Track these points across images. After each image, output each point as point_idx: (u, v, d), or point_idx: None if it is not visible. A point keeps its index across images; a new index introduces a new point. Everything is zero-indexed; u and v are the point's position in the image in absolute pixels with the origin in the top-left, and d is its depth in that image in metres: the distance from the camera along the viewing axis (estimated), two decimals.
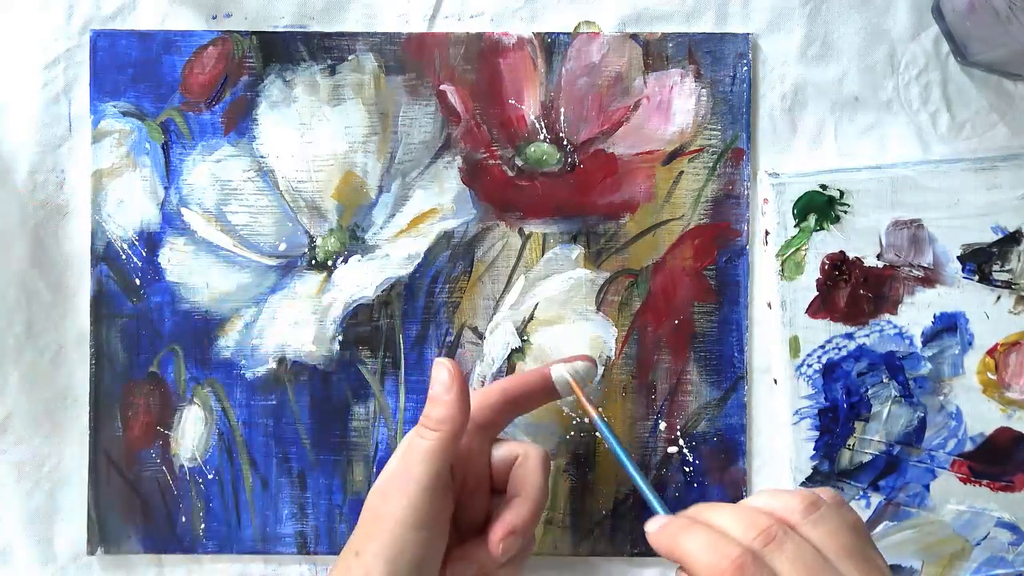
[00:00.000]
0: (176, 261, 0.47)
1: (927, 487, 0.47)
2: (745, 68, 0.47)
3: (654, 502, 0.38)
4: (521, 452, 0.41)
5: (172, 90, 0.47)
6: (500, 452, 0.42)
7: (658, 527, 0.35)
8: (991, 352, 0.47)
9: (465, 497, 0.41)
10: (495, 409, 0.41)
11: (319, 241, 0.47)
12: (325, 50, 0.47)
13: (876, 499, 0.47)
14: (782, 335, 0.47)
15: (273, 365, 0.47)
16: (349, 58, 0.47)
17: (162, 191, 0.47)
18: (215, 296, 0.47)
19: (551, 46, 0.47)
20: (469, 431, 0.40)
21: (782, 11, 0.48)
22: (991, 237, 0.47)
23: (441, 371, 0.39)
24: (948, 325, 0.47)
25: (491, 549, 0.39)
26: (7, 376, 0.47)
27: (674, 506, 0.47)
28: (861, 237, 0.47)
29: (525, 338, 0.47)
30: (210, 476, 0.47)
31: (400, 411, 0.47)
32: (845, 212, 0.47)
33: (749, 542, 0.33)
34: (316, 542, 0.47)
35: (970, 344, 0.47)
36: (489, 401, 0.41)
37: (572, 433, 0.47)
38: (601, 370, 0.47)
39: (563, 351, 0.47)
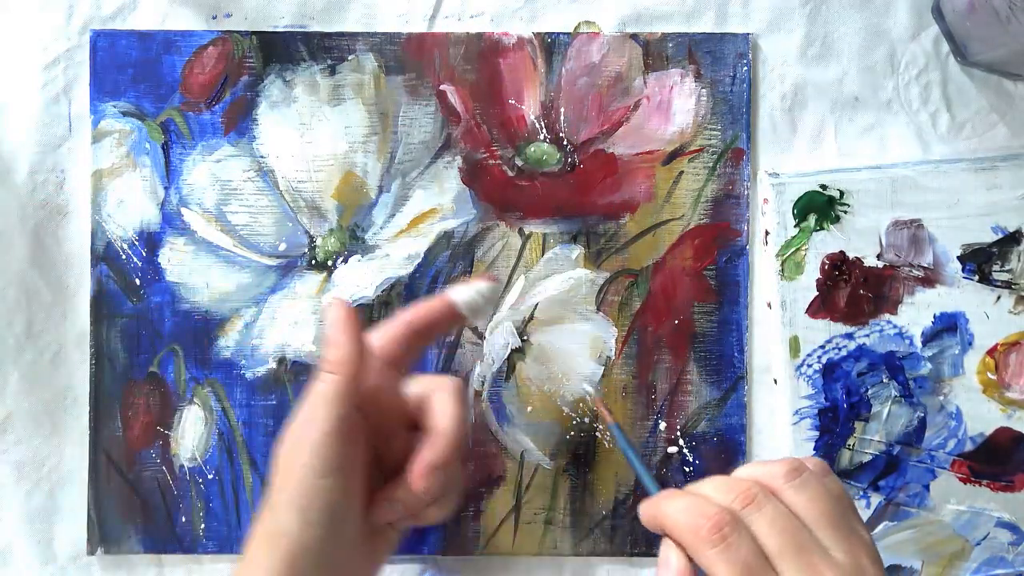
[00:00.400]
0: (176, 261, 0.47)
1: (927, 487, 0.47)
2: (745, 68, 0.47)
3: (647, 480, 0.38)
4: (435, 386, 0.40)
5: (172, 90, 0.47)
6: (414, 388, 0.41)
7: (648, 501, 0.35)
8: (991, 352, 0.47)
9: (383, 438, 0.40)
10: (401, 341, 0.40)
11: (319, 241, 0.47)
12: (325, 50, 0.47)
13: (876, 499, 0.47)
14: (782, 335, 0.47)
15: (273, 365, 0.47)
16: (349, 58, 0.47)
17: (162, 191, 0.47)
18: (215, 296, 0.47)
19: (551, 46, 0.47)
20: (378, 367, 0.39)
21: (782, 11, 0.48)
22: (991, 237, 0.47)
23: (334, 313, 0.38)
24: (948, 325, 0.47)
25: (412, 486, 0.38)
26: (7, 376, 0.47)
27: None
28: (861, 237, 0.47)
29: (525, 338, 0.47)
30: (210, 476, 0.47)
31: None
32: (845, 212, 0.47)
33: (728, 503, 0.33)
34: None
35: (970, 344, 0.47)
36: (395, 335, 0.40)
37: (572, 433, 0.47)
38: (601, 370, 0.47)
39: (563, 351, 0.47)
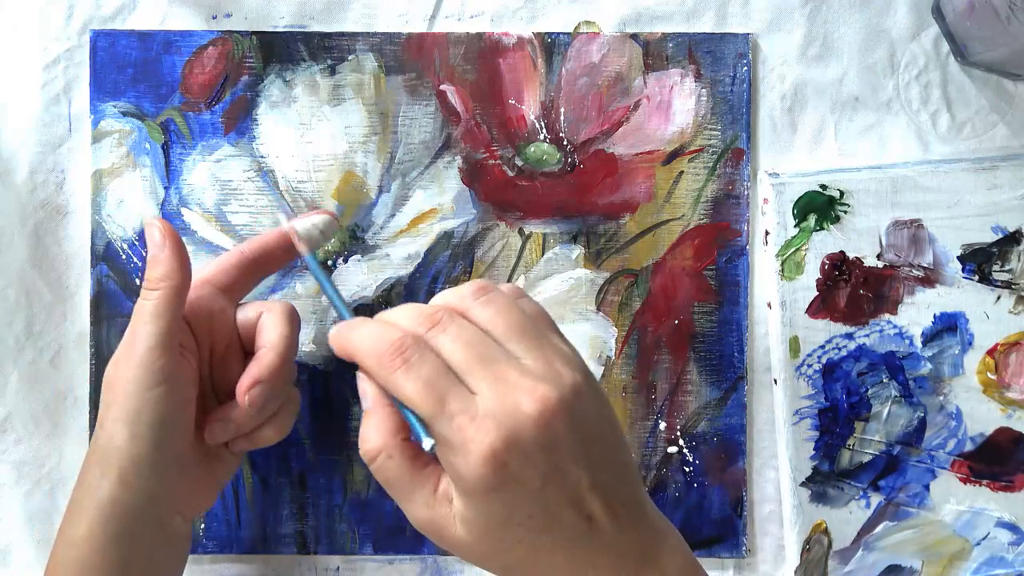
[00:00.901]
0: None
1: (927, 487, 0.47)
2: (745, 68, 0.47)
3: (343, 311, 0.38)
4: (265, 308, 0.41)
5: (172, 90, 0.47)
6: (246, 313, 0.41)
7: (336, 328, 0.35)
8: (991, 352, 0.47)
9: (216, 363, 0.40)
10: (234, 271, 0.41)
11: None
12: (325, 50, 0.47)
13: (876, 499, 0.47)
14: (782, 335, 0.47)
15: None
16: (349, 58, 0.47)
17: (162, 191, 0.47)
18: None
19: (551, 46, 0.47)
20: (209, 293, 0.40)
21: (782, 11, 0.48)
22: (991, 237, 0.47)
23: (152, 231, 0.38)
24: (948, 325, 0.47)
25: (239, 401, 0.38)
26: (7, 376, 0.47)
27: (674, 507, 0.47)
28: (861, 237, 0.47)
29: None
30: None
31: None
32: (845, 212, 0.47)
33: (413, 327, 0.33)
34: (316, 542, 0.47)
35: (970, 344, 0.47)
36: (228, 263, 0.41)
37: None
38: (601, 370, 0.47)
39: None
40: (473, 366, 0.32)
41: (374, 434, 0.34)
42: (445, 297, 0.35)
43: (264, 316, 0.41)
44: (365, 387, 0.35)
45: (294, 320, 0.41)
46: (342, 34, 0.47)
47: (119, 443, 0.37)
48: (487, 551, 0.33)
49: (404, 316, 0.34)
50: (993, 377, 0.47)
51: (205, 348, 0.40)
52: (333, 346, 0.35)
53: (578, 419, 0.32)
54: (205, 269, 0.41)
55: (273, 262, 0.42)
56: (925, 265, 0.47)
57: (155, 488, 0.37)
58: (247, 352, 0.41)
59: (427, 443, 0.32)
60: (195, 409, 0.39)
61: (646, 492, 0.36)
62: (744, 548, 0.47)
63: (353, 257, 0.47)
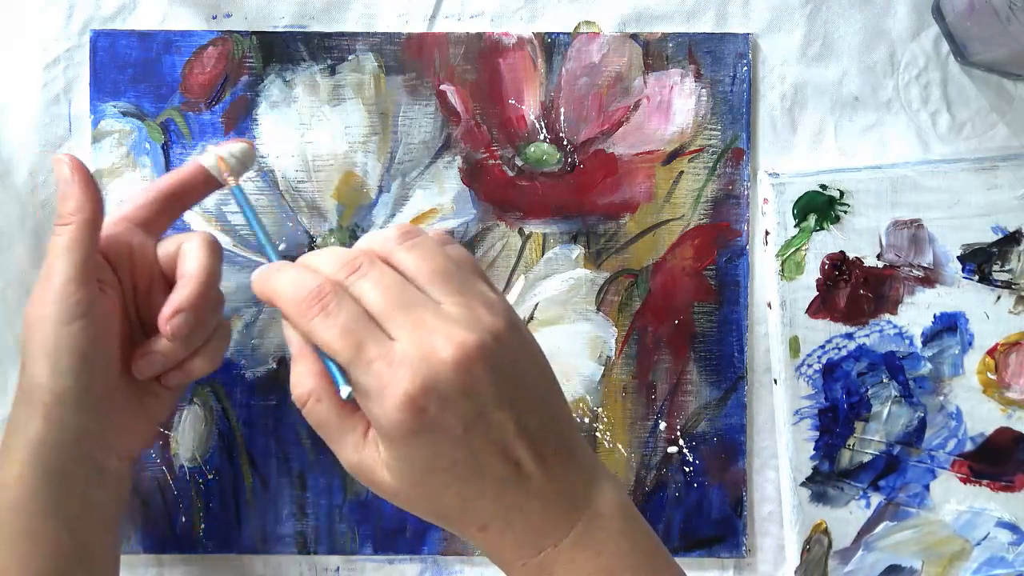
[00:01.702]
0: None
1: (927, 487, 0.47)
2: (745, 68, 0.47)
3: (268, 249, 0.38)
4: (185, 240, 0.40)
5: (172, 90, 0.47)
6: (166, 247, 0.41)
7: (258, 272, 0.35)
8: (991, 352, 0.47)
9: (140, 296, 0.40)
10: (152, 206, 0.40)
11: (319, 241, 0.47)
12: (325, 50, 0.47)
13: (876, 499, 0.47)
14: (782, 335, 0.47)
15: (273, 365, 0.47)
16: (349, 58, 0.47)
17: None
18: None
19: (551, 46, 0.47)
20: (127, 228, 0.39)
21: (782, 11, 0.48)
22: (991, 237, 0.47)
23: (61, 167, 0.38)
24: (948, 325, 0.47)
25: (161, 330, 0.38)
26: (7, 376, 0.47)
27: (674, 506, 0.47)
28: (861, 237, 0.47)
29: None
30: (210, 476, 0.47)
31: None
32: (845, 212, 0.47)
33: (334, 274, 0.33)
34: (316, 542, 0.47)
35: (970, 344, 0.47)
36: (145, 199, 0.40)
37: None
38: (601, 370, 0.47)
39: (563, 351, 0.47)
40: (392, 312, 0.32)
41: (303, 378, 0.34)
42: (369, 241, 0.35)
43: (184, 246, 0.40)
44: (289, 333, 0.34)
45: (215, 249, 0.40)
46: (342, 34, 0.47)
47: (40, 380, 0.36)
48: (414, 497, 0.33)
49: (325, 261, 0.34)
50: (993, 377, 0.47)
51: (127, 284, 0.40)
52: (255, 290, 0.35)
53: (500, 364, 0.32)
54: (122, 207, 0.40)
55: (191, 194, 0.41)
56: (925, 265, 0.47)
57: (83, 425, 0.37)
58: (171, 286, 0.40)
59: (344, 391, 0.32)
60: (119, 345, 0.39)
61: (581, 436, 0.35)
62: (744, 548, 0.47)
63: None
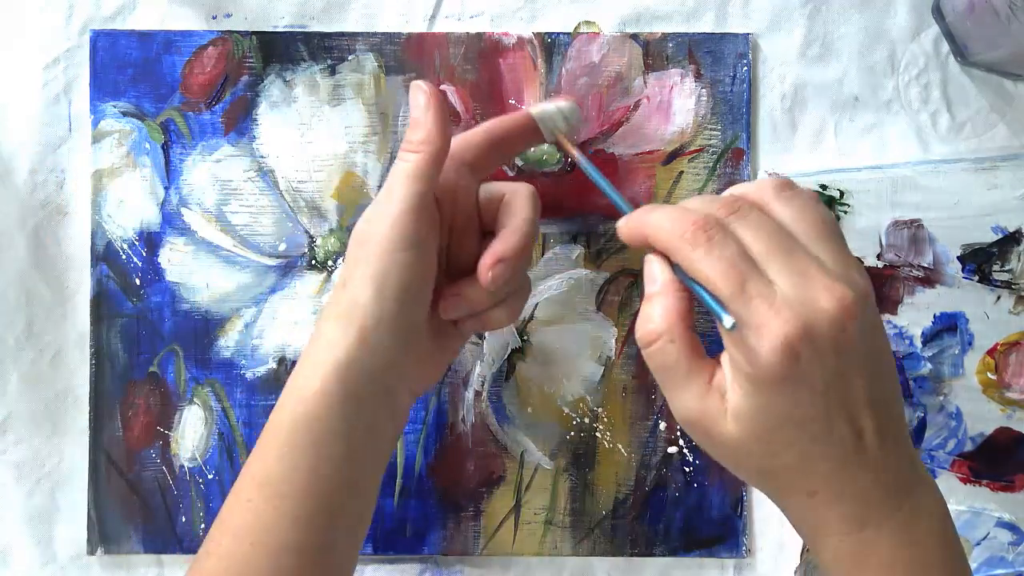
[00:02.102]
0: (176, 261, 0.47)
1: None
2: (745, 68, 0.47)
3: (620, 201, 0.38)
4: (509, 190, 0.40)
5: (172, 90, 0.47)
6: (488, 192, 0.41)
7: (626, 217, 0.35)
8: (991, 352, 0.47)
9: (455, 237, 0.40)
10: (479, 148, 0.40)
11: (319, 241, 0.47)
12: (325, 50, 0.47)
13: None
14: None
15: (273, 365, 0.47)
16: (349, 58, 0.47)
17: (162, 191, 0.47)
18: (215, 296, 0.47)
19: (551, 46, 0.47)
20: (455, 167, 0.39)
21: (782, 11, 0.48)
22: (991, 237, 0.47)
23: (418, 95, 0.38)
24: (948, 325, 0.47)
25: (480, 277, 0.38)
26: (7, 376, 0.47)
27: (674, 506, 0.47)
28: (861, 237, 0.47)
29: (525, 338, 0.47)
30: (210, 476, 0.47)
31: None
32: (845, 212, 0.47)
33: (713, 212, 0.33)
34: None
35: (970, 344, 0.47)
36: (474, 140, 0.40)
37: (572, 433, 0.47)
38: (601, 370, 0.47)
39: (563, 351, 0.47)
40: (774, 255, 0.31)
41: (659, 316, 0.33)
42: (744, 188, 0.34)
43: (510, 197, 0.40)
44: (654, 268, 0.34)
45: (538, 205, 0.40)
46: (342, 34, 0.47)
47: (365, 301, 0.36)
48: (752, 450, 0.32)
49: (700, 202, 0.33)
50: (993, 377, 0.47)
51: (446, 222, 0.39)
52: (624, 232, 0.35)
53: (867, 328, 0.31)
54: (452, 145, 0.39)
55: (517, 142, 0.41)
56: (925, 265, 0.47)
57: (392, 354, 0.37)
58: (484, 232, 0.40)
59: (728, 320, 0.31)
60: (435, 280, 0.39)
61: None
62: (744, 548, 0.47)
63: None
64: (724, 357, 0.33)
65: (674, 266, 0.33)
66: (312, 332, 0.38)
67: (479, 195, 0.40)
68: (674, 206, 0.34)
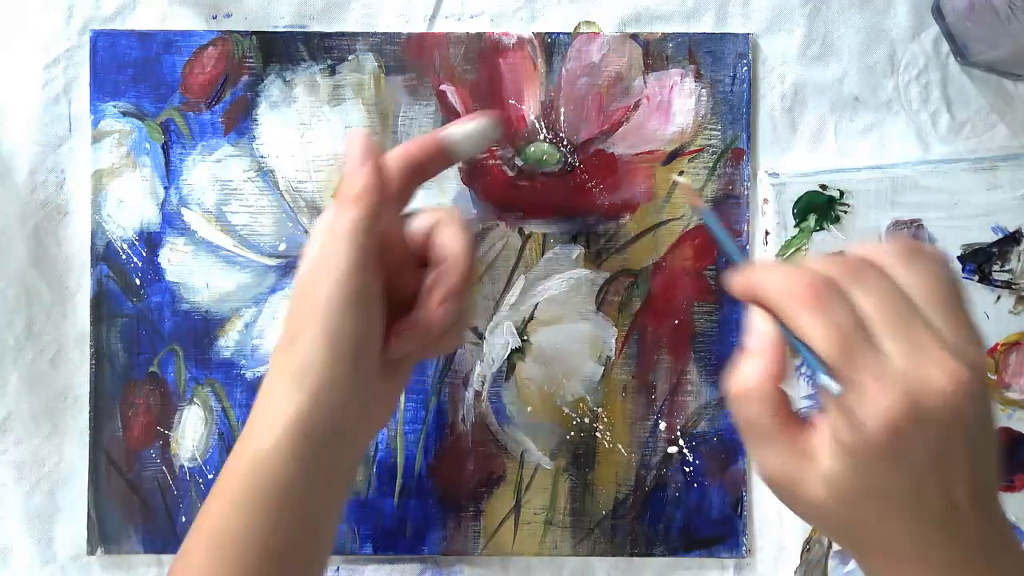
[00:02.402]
0: (176, 261, 0.47)
1: None
2: (745, 68, 0.47)
3: (733, 251, 0.37)
4: (435, 218, 0.39)
5: (172, 90, 0.47)
6: (415, 223, 0.40)
7: (741, 270, 0.34)
8: (991, 352, 0.47)
9: (392, 275, 0.39)
10: (400, 182, 0.39)
11: None
12: (325, 50, 0.47)
13: None
14: None
15: None
16: (349, 58, 0.47)
17: (162, 191, 0.47)
18: (215, 296, 0.47)
19: (551, 46, 0.47)
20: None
21: (782, 11, 0.48)
22: (991, 237, 0.47)
23: (353, 144, 0.37)
24: None
25: (431, 317, 0.38)
26: (7, 376, 0.47)
27: (674, 507, 0.47)
28: (861, 237, 0.47)
29: (525, 338, 0.47)
30: (210, 476, 0.47)
31: (400, 411, 0.47)
32: (845, 212, 0.47)
33: (830, 273, 0.31)
34: None
35: None
36: (394, 175, 0.39)
37: (572, 433, 0.47)
38: (601, 370, 0.47)
39: (563, 351, 0.47)
40: (890, 323, 0.30)
41: (753, 373, 0.33)
42: (869, 249, 0.33)
43: (441, 227, 0.39)
44: (759, 323, 0.33)
45: (471, 228, 0.40)
46: (342, 34, 0.47)
47: (317, 365, 0.35)
48: (839, 512, 0.32)
49: (818, 262, 0.32)
50: (993, 377, 0.47)
51: (383, 261, 0.39)
52: (735, 285, 0.34)
53: (977, 402, 0.30)
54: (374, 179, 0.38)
55: (435, 169, 0.40)
56: None
57: (347, 409, 0.36)
58: (419, 261, 0.40)
59: (835, 387, 0.30)
60: (383, 325, 0.38)
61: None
62: (744, 548, 0.47)
63: None
64: (821, 420, 0.32)
65: (781, 323, 0.32)
66: (262, 387, 0.37)
67: (405, 226, 0.40)
68: (792, 265, 0.33)
